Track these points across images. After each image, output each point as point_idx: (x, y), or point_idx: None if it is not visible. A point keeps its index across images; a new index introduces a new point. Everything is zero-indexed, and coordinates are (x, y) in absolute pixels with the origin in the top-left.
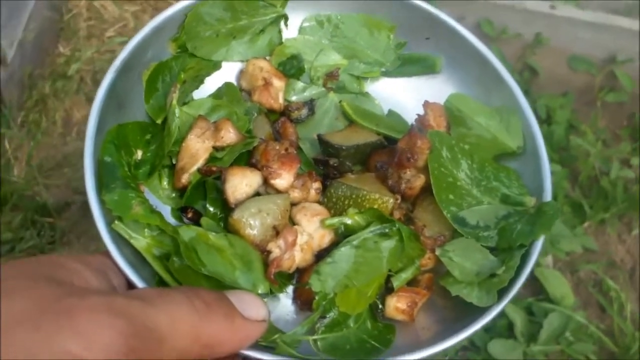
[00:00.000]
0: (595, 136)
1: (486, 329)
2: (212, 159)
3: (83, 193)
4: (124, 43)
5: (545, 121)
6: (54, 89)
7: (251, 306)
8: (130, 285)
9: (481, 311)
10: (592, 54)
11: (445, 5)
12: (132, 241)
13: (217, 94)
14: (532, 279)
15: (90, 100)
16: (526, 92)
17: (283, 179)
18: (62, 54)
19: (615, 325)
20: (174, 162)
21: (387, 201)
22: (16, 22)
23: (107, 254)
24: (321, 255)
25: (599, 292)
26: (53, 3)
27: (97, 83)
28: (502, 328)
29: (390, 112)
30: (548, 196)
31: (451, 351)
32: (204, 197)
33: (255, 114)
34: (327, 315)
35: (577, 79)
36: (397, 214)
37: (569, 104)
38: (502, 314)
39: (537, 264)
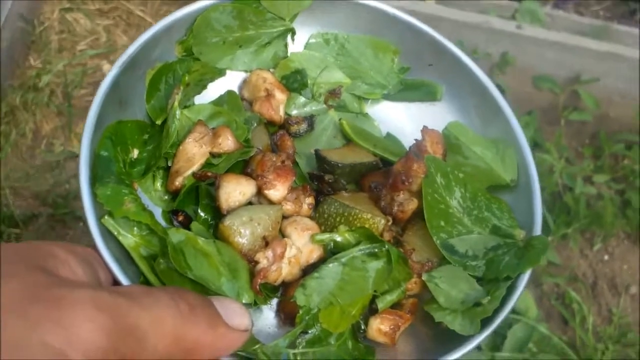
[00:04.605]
0: (558, 154)
1: None
2: (207, 165)
3: (50, 205)
4: (97, 55)
5: None
6: (23, 101)
7: (235, 314)
8: (115, 282)
9: (462, 340)
10: (556, 74)
11: None
12: (120, 238)
13: (219, 101)
14: None
15: (60, 113)
16: None
17: (277, 190)
18: (33, 66)
19: (578, 337)
20: (169, 164)
21: (378, 222)
22: None
23: (94, 248)
24: (308, 270)
25: (561, 305)
26: (25, 16)
27: (67, 96)
28: None
29: (388, 135)
30: (538, 230)
31: None
32: (195, 202)
33: (255, 124)
34: (309, 331)
35: (542, 98)
36: (387, 236)
37: (533, 122)
38: None
39: None
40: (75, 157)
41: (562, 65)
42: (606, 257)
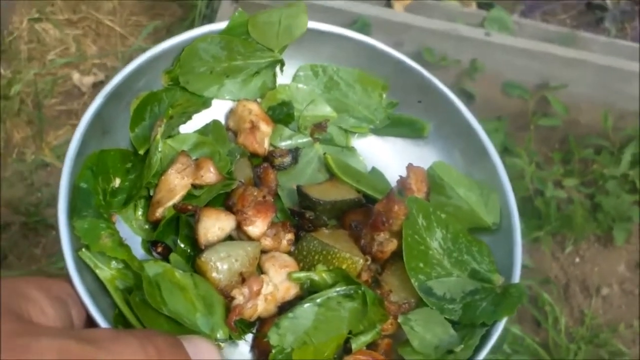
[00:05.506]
0: (528, 158)
1: None
2: (188, 196)
3: (23, 213)
4: (66, 65)
5: None
6: None
7: (205, 355)
8: (89, 317)
9: None
10: (525, 80)
11: (383, 33)
12: (97, 271)
13: (204, 131)
14: None
15: (31, 122)
16: None
17: (256, 227)
18: (3, 75)
19: (551, 338)
20: (151, 194)
21: (356, 262)
22: None
23: (69, 279)
24: (284, 307)
25: (534, 307)
26: None
27: (38, 105)
28: None
29: (374, 170)
30: (516, 277)
31: None
32: (175, 232)
33: (238, 156)
34: None
35: (511, 104)
36: (365, 276)
37: (502, 127)
38: None
39: None
40: (47, 166)
41: (531, 71)
42: (577, 260)
